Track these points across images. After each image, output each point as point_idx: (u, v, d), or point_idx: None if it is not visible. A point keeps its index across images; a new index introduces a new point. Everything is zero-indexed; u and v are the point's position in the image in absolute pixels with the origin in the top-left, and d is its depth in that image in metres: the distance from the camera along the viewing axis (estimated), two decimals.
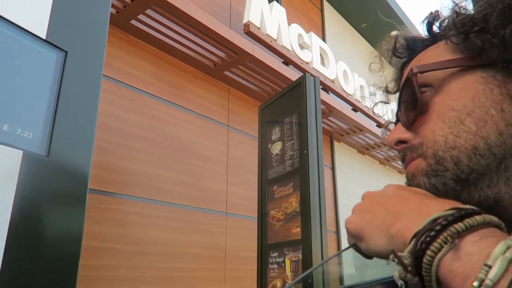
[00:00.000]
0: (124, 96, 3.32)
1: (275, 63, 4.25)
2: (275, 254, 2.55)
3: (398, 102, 0.53)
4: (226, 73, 4.17)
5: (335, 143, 6.15)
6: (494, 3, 0.43)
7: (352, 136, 6.10)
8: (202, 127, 3.95)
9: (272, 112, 2.95)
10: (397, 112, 0.53)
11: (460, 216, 0.34)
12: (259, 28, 4.19)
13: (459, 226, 0.34)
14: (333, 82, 5.36)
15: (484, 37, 0.44)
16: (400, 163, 7.47)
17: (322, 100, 4.33)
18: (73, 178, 1.09)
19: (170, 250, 3.34)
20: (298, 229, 2.37)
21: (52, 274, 1.01)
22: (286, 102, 2.78)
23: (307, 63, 4.86)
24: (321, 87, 3.57)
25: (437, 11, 0.52)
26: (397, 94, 0.57)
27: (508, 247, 0.30)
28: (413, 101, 0.48)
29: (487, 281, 0.29)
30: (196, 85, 4.02)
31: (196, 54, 3.85)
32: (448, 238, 0.33)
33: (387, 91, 0.62)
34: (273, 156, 2.79)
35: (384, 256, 0.41)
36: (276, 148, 2.77)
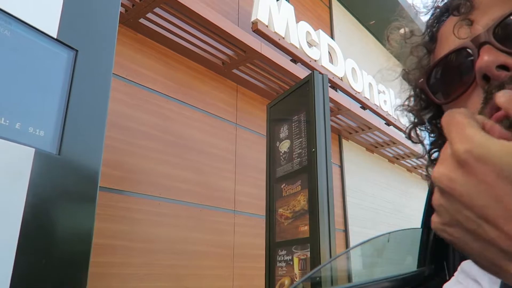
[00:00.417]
0: (132, 94, 3.35)
1: (283, 61, 4.24)
2: (283, 252, 2.56)
3: (497, 23, 0.42)
4: (235, 71, 4.17)
5: (344, 141, 6.13)
6: None
7: (361, 134, 6.06)
8: (211, 125, 3.96)
9: (280, 110, 2.95)
10: (483, 33, 0.43)
11: None
12: (267, 26, 4.19)
13: None
14: (341, 79, 5.33)
15: None
16: (409, 161, 7.43)
17: (330, 98, 4.32)
18: (84, 176, 1.11)
19: (179, 248, 3.36)
20: (306, 227, 2.37)
21: (63, 270, 1.02)
22: (295, 100, 2.78)
23: (315, 60, 4.84)
24: (329, 85, 3.55)
25: None
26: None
27: None
28: None
29: None
30: (205, 83, 4.03)
31: (205, 53, 3.85)
32: None
33: (455, 7, 0.47)
34: (281, 154, 2.79)
35: None
36: (284, 146, 2.77)
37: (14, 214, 0.93)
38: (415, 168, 7.87)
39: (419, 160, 7.44)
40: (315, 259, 2.24)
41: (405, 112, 0.58)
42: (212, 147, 3.90)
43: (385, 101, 6.30)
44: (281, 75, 4.34)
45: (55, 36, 1.09)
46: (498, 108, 0.36)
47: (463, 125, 0.29)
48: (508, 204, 0.26)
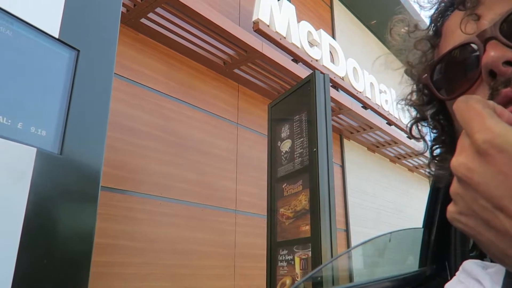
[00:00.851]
0: (134, 94, 3.35)
1: (285, 60, 4.24)
2: (285, 252, 2.56)
3: (504, 17, 0.41)
4: (236, 71, 4.17)
5: (345, 141, 6.13)
6: None
7: (362, 133, 6.06)
8: (212, 125, 3.97)
9: (282, 109, 2.95)
10: (488, 29, 0.42)
11: None
12: (268, 25, 4.19)
13: None
14: (342, 79, 5.33)
15: None
16: (411, 161, 7.43)
17: (331, 97, 4.31)
18: (86, 176, 1.11)
19: (180, 248, 3.36)
20: (308, 227, 2.37)
21: (65, 269, 1.03)
22: (296, 99, 2.78)
23: (316, 60, 4.84)
24: (330, 84, 3.55)
25: None
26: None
27: None
28: None
29: None
30: (206, 83, 4.03)
31: (206, 52, 3.86)
32: None
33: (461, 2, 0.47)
34: (282, 153, 2.79)
35: None
36: (285, 146, 2.77)
37: (16, 213, 0.93)
38: (417, 167, 7.86)
39: (421, 160, 7.43)
40: (316, 259, 2.24)
41: (406, 107, 0.57)
42: (213, 147, 3.91)
43: (386, 101, 6.30)
44: (282, 75, 4.35)
45: (56, 36, 1.09)
46: (505, 104, 0.36)
47: (482, 114, 0.29)
48: None
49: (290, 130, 2.76)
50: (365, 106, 5.75)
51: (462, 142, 0.30)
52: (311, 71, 2.73)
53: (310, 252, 2.32)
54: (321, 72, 2.69)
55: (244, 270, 3.83)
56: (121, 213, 3.04)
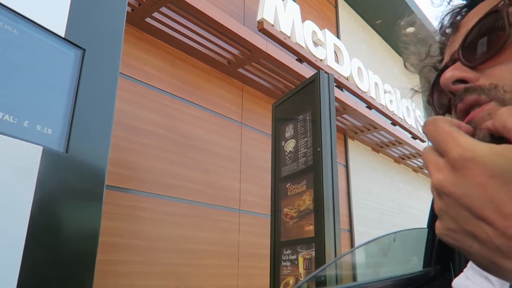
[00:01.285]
0: (139, 93, 3.36)
1: (289, 60, 4.24)
2: (288, 251, 2.56)
3: (463, 40, 0.46)
4: (240, 70, 4.18)
5: (349, 141, 6.11)
6: None
7: (366, 134, 6.05)
8: (216, 125, 3.97)
9: (286, 109, 2.95)
10: (455, 51, 0.47)
11: None
12: (273, 25, 4.19)
13: None
14: (347, 79, 5.32)
15: None
16: (415, 161, 7.40)
17: (336, 97, 4.31)
18: (91, 174, 1.11)
19: (184, 246, 3.37)
20: (311, 227, 2.37)
21: (70, 267, 1.03)
22: (300, 99, 2.77)
23: (321, 60, 4.83)
24: (335, 84, 3.54)
25: None
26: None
27: None
28: (493, 37, 0.43)
29: None
30: (210, 82, 4.03)
31: (210, 52, 3.86)
32: None
33: (444, 33, 0.54)
34: (286, 153, 2.79)
35: None
36: (289, 146, 2.77)
37: (22, 211, 0.94)
38: (421, 168, 7.83)
39: None
40: (320, 259, 2.24)
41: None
42: (217, 146, 3.91)
43: (391, 101, 6.28)
44: (286, 75, 4.34)
45: (63, 35, 1.10)
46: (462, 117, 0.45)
47: (452, 133, 0.31)
48: (499, 202, 0.28)
49: (294, 130, 2.76)
50: (370, 106, 5.73)
51: (435, 162, 0.32)
52: (316, 71, 2.73)
53: (314, 252, 2.32)
54: (326, 72, 2.69)
55: (247, 270, 3.84)
56: (124, 212, 3.05)
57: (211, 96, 4.00)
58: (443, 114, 0.53)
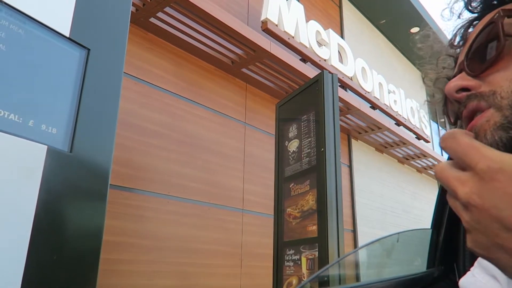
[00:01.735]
0: (142, 93, 3.37)
1: (293, 60, 4.23)
2: (291, 251, 2.56)
3: (467, 51, 0.49)
4: (244, 70, 4.18)
5: (353, 141, 6.10)
6: None
7: (370, 134, 6.03)
8: (220, 124, 3.98)
9: (289, 109, 2.95)
10: (461, 62, 0.49)
11: None
12: (276, 25, 4.19)
13: None
14: (351, 79, 5.31)
15: None
16: (419, 162, 7.37)
17: (340, 97, 4.30)
18: (95, 174, 1.12)
19: (187, 246, 3.38)
20: (315, 227, 2.37)
21: (74, 266, 1.04)
22: (304, 99, 2.77)
23: (325, 60, 4.83)
24: (339, 84, 3.53)
25: None
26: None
27: None
28: (491, 47, 0.45)
29: None
30: (214, 82, 4.04)
31: (214, 52, 3.87)
32: None
33: (451, 45, 0.58)
34: (290, 153, 2.79)
35: None
36: (293, 146, 2.77)
37: (27, 210, 0.94)
38: (425, 168, 7.80)
39: (429, 161, 7.38)
40: (323, 259, 2.23)
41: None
42: (221, 145, 3.92)
43: (395, 101, 6.26)
44: (290, 75, 4.34)
45: (67, 35, 1.10)
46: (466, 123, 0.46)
47: (475, 145, 0.31)
48: None
49: (298, 130, 2.75)
50: (374, 106, 5.72)
51: (457, 176, 0.32)
52: (319, 71, 2.72)
53: (317, 252, 2.32)
54: (329, 72, 2.68)
55: (250, 269, 3.84)
56: (128, 211, 3.06)
57: (215, 95, 4.00)
58: (455, 123, 0.55)
